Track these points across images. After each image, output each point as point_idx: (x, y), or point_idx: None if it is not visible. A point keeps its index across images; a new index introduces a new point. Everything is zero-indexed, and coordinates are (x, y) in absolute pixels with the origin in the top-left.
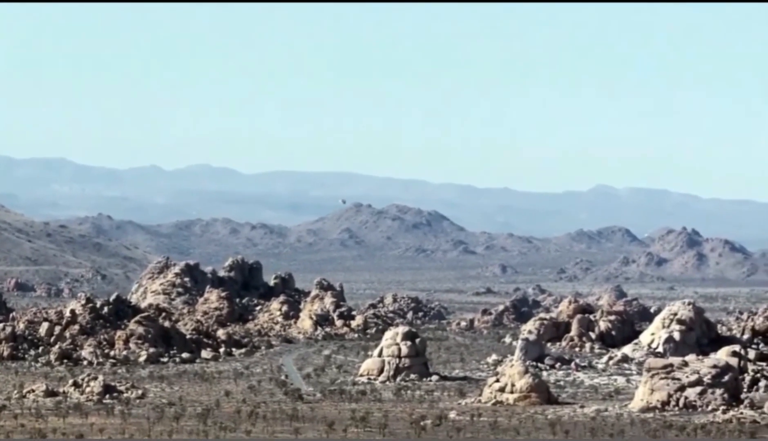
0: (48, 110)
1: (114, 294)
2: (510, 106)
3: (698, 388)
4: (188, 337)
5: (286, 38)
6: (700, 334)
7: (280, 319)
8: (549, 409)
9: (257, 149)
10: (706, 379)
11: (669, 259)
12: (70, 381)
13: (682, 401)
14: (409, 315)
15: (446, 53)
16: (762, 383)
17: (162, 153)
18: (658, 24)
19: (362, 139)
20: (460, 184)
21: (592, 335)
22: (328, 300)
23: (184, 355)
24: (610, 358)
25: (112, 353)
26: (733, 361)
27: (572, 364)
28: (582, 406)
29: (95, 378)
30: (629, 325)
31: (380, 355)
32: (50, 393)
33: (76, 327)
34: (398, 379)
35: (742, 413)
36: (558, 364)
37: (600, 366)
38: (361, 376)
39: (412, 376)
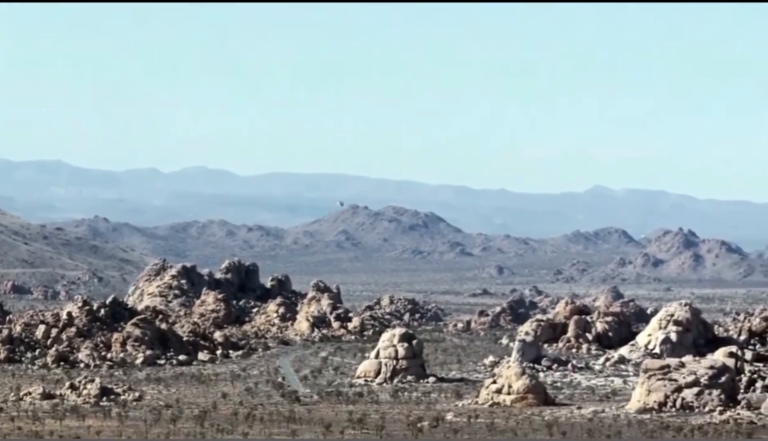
0: (45, 113)
1: (111, 296)
2: (507, 107)
3: (695, 389)
4: (185, 339)
5: (283, 40)
6: (696, 335)
7: (276, 321)
8: (546, 410)
9: (253, 151)
10: (703, 380)
11: (665, 260)
12: (67, 383)
13: (679, 402)
14: (406, 316)
15: (443, 54)
16: (759, 384)
17: (158, 155)
18: (656, 25)
19: (358, 141)
20: (456, 185)
21: (589, 336)
22: (325, 302)
23: (181, 357)
24: (607, 360)
25: (108, 355)
26: (730, 362)
27: (569, 366)
28: (579, 408)
29: (92, 380)
30: (626, 326)
31: (377, 356)
32: (47, 395)
33: (73, 329)
34: (395, 380)
35: (739, 414)
36: (555, 366)
37: (597, 367)
38: (358, 377)
39: (409, 377)
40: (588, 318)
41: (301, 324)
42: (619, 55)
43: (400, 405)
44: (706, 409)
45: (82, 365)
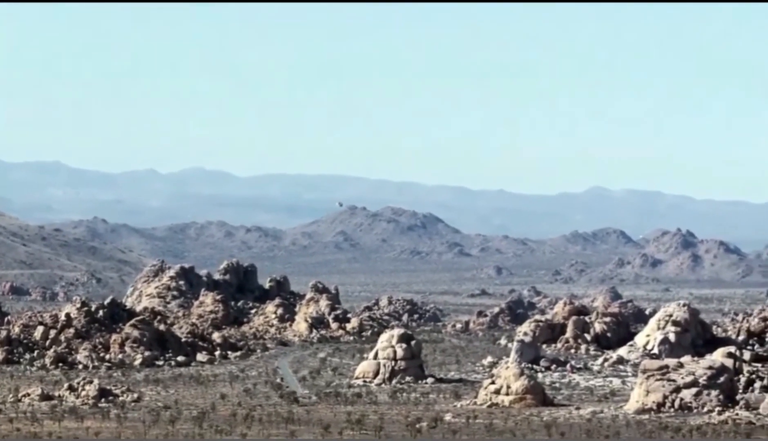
0: (42, 114)
1: (109, 297)
2: (505, 108)
3: (694, 390)
4: (183, 340)
5: (281, 41)
6: (695, 336)
7: (275, 321)
8: (544, 410)
9: (251, 152)
10: (701, 381)
11: (664, 260)
12: (66, 385)
13: (677, 403)
14: (405, 317)
15: (441, 55)
16: (757, 384)
17: (156, 156)
18: (654, 26)
19: (356, 142)
20: (454, 186)
21: (588, 337)
22: (324, 303)
23: (180, 358)
24: (606, 360)
25: (107, 357)
26: (729, 363)
27: (567, 366)
28: (577, 408)
29: (90, 382)
30: (624, 326)
31: (376, 357)
32: (45, 397)
33: (72, 331)
34: (394, 381)
35: (737, 414)
36: (553, 366)
37: (595, 368)
38: (357, 378)
39: (408, 378)
40: (586, 318)
41: (300, 325)
42: (617, 55)
43: (398, 406)
44: (705, 409)
45: (80, 366)
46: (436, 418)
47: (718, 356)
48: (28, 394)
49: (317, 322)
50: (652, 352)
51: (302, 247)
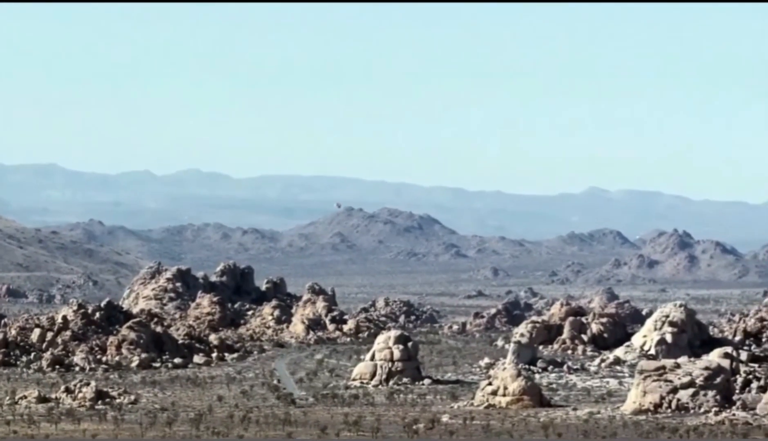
0: (39, 116)
1: (106, 300)
2: (502, 109)
3: (690, 390)
4: (180, 342)
5: (277, 42)
6: (692, 336)
7: (272, 323)
8: (541, 411)
9: (247, 154)
10: (698, 381)
11: (660, 261)
12: (63, 387)
13: (674, 403)
14: (401, 319)
15: (438, 56)
16: (754, 385)
17: (153, 158)
18: (651, 27)
19: (353, 143)
20: (451, 187)
21: (584, 338)
22: (320, 304)
23: (177, 360)
24: (603, 361)
25: (104, 359)
26: (725, 363)
27: (564, 367)
28: (575, 409)
29: (87, 384)
30: (621, 327)
31: (372, 359)
32: (42, 399)
33: (68, 333)
34: (391, 382)
35: (734, 415)
36: (550, 367)
37: (592, 368)
38: (354, 380)
39: (405, 379)
40: (583, 319)
41: (297, 326)
42: (614, 57)
43: (395, 407)
44: (702, 410)
45: (77, 369)
46: (433, 420)
47: (715, 357)
48: (25, 397)
49: (314, 324)
50: (649, 352)
51: (299, 249)
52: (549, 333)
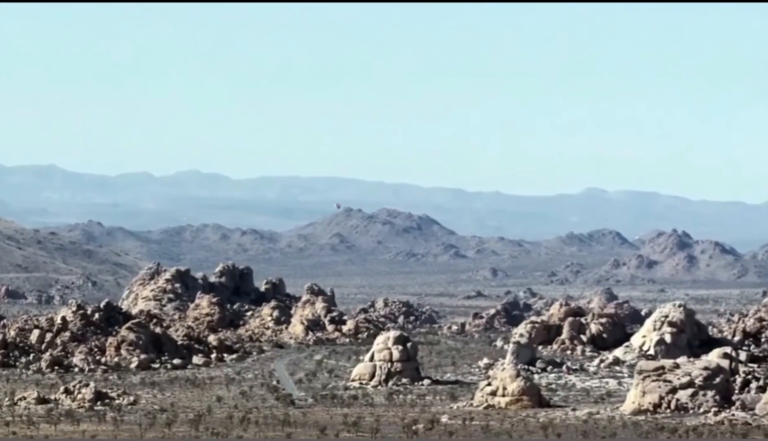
0: (38, 117)
1: (105, 300)
2: (501, 109)
3: (690, 391)
4: (179, 343)
5: (276, 43)
6: (691, 336)
7: (271, 324)
8: (541, 412)
9: (247, 155)
10: (697, 381)
11: (659, 261)
12: (62, 388)
13: (673, 403)
14: (401, 319)
15: (436, 56)
16: (753, 385)
17: (152, 159)
18: (649, 27)
19: (352, 144)
20: (450, 187)
21: (584, 338)
22: (319, 305)
23: (176, 361)
24: (602, 361)
25: (103, 360)
26: (725, 363)
27: (564, 367)
28: (574, 409)
29: (87, 385)
30: (620, 327)
31: (372, 359)
32: (42, 400)
33: (67, 334)
34: (390, 383)
35: (733, 415)
36: (549, 368)
37: (591, 369)
38: (353, 380)
39: (404, 380)
40: (582, 320)
41: (296, 327)
42: (613, 57)
43: (394, 408)
44: (701, 410)
45: (76, 370)
46: (432, 420)
47: (714, 357)
48: (25, 398)
49: (313, 325)
50: (648, 353)
51: (298, 250)
52: (548, 333)
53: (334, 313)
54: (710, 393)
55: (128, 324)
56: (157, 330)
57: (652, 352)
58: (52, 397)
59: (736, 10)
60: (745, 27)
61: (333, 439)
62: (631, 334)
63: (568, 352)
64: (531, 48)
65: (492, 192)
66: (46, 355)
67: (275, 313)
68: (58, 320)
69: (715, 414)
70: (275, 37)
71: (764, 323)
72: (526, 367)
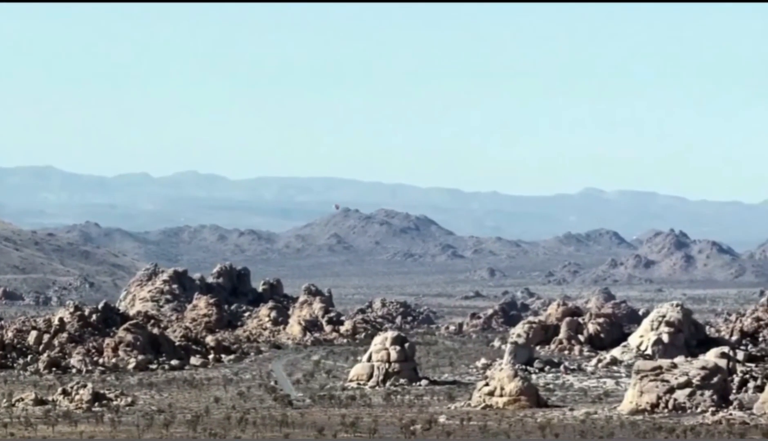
0: (35, 118)
1: (102, 302)
2: (498, 109)
3: (687, 390)
4: (177, 343)
5: (274, 43)
6: (688, 336)
7: (268, 325)
8: (538, 412)
9: (244, 155)
10: (695, 381)
11: (657, 261)
12: (59, 389)
13: (671, 403)
14: (398, 320)
15: (434, 57)
16: (751, 384)
17: (149, 160)
18: (647, 28)
19: (349, 144)
20: (448, 188)
21: (581, 338)
22: (317, 305)
23: (173, 362)
24: (599, 361)
25: (100, 361)
26: (722, 363)
27: (561, 367)
28: (571, 409)
29: (84, 386)
30: (618, 327)
31: (369, 360)
32: (39, 401)
33: (65, 335)
34: (388, 383)
35: (731, 415)
36: (547, 368)
37: (589, 369)
38: (351, 381)
39: (402, 380)
40: (580, 320)
41: (293, 328)
42: (611, 57)
43: (392, 408)
44: (699, 410)
45: (74, 371)
46: (430, 420)
47: (712, 356)
48: (22, 399)
49: (311, 325)
50: (646, 352)
51: (295, 250)
52: (546, 333)
53: (332, 314)
54: (708, 393)
55: (126, 325)
56: (155, 331)
57: (649, 351)
58: (50, 398)
59: (735, 10)
60: (745, 27)
61: (331, 439)
62: (629, 333)
63: (566, 352)
64: (527, 48)
65: (489, 192)
66: (44, 357)
67: (273, 314)
68: (56, 321)
69: (713, 414)
70: (272, 38)
71: (761, 323)
72: (523, 367)
